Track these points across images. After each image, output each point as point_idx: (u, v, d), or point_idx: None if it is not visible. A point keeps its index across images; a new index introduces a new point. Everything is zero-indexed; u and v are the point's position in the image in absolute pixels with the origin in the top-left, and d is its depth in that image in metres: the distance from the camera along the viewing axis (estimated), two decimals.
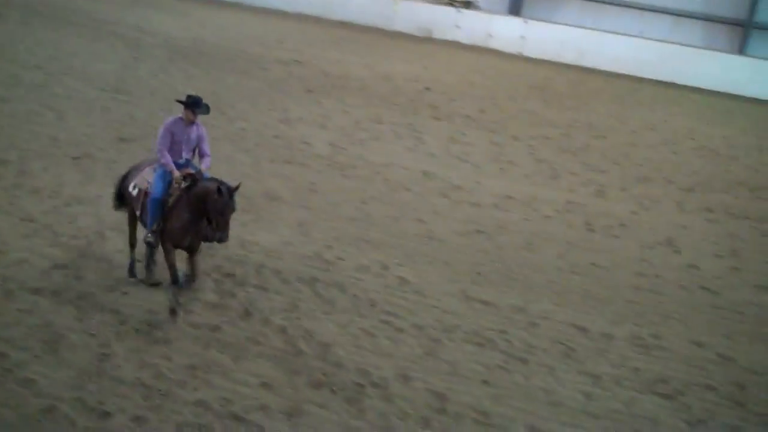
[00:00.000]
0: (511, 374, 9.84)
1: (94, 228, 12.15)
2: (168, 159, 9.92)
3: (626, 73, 28.68)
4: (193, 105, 10.01)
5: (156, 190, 9.88)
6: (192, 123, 10.10)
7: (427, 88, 23.38)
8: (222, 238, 9.37)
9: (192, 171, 9.90)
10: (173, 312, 9.78)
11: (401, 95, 22.35)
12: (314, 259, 12.13)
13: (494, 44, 30.66)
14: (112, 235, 11.91)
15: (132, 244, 10.77)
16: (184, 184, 9.76)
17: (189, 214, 9.64)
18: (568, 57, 29.60)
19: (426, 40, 30.87)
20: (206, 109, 10.16)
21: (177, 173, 9.84)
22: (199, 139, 10.21)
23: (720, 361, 10.76)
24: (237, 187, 9.41)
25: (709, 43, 29.69)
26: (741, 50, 29.30)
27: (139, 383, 8.65)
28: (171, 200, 9.82)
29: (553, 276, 12.66)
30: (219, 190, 9.23)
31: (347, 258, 12.30)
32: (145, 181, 10.15)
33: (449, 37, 31.17)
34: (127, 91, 19.41)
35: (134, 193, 10.27)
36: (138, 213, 10.27)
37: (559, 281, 12.51)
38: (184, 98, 10.14)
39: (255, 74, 22.60)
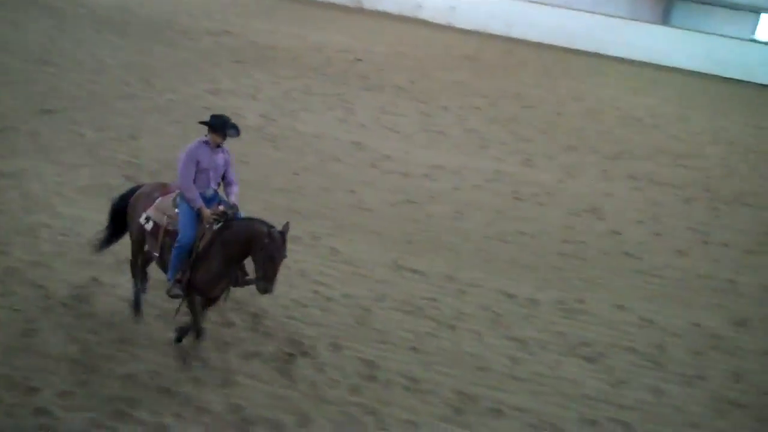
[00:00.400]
0: (439, 341, 10.03)
1: (19, 202, 11.92)
2: (195, 194, 8.41)
3: (553, 43, 29.09)
4: (222, 126, 8.53)
5: (185, 234, 8.38)
6: (218, 147, 8.64)
7: (358, 59, 23.36)
8: (268, 289, 8.10)
9: (224, 209, 8.51)
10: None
11: (332, 66, 22.30)
12: None
13: (424, 15, 30.74)
14: (37, 209, 11.71)
15: (135, 274, 9.37)
16: (216, 225, 8.42)
17: (223, 260, 8.32)
18: (497, 28, 29.87)
19: (356, 11, 30.76)
20: (236, 131, 8.66)
21: (207, 213, 8.39)
22: (226, 165, 8.76)
23: (641, 323, 11.14)
24: (287, 229, 8.26)
25: (634, 14, 30.23)
26: (664, 21, 29.91)
27: (66, 358, 8.57)
28: (200, 244, 8.41)
29: (482, 244, 12.89)
30: (270, 234, 8.02)
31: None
32: (163, 214, 8.64)
33: (380, 7, 31.13)
34: (51, 62, 18.94)
35: (148, 227, 8.74)
36: (156, 253, 8.77)
37: (488, 249, 12.74)
38: (207, 118, 8.66)
39: (183, 45, 22.27)
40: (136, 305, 9.35)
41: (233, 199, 8.65)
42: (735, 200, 16.42)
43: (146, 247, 8.91)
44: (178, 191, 8.64)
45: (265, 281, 8.04)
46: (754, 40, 29.46)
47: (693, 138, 20.42)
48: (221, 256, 8.28)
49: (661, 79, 26.49)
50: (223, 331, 9.49)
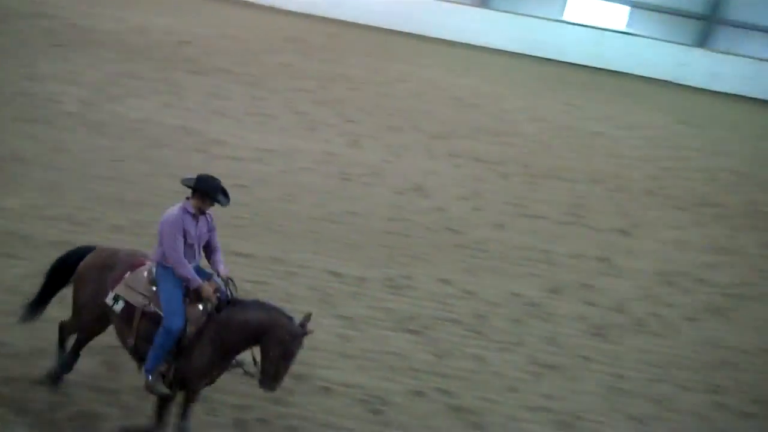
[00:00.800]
0: None
1: None
2: (191, 271, 7.22)
3: (378, 26, 29.63)
4: (213, 191, 7.29)
5: (174, 319, 7.14)
6: (202, 213, 7.46)
7: (185, 42, 22.93)
8: (275, 388, 7.20)
9: (216, 285, 7.40)
10: None
11: (157, 49, 21.79)
12: (66, 221, 11.76)
13: None
14: None
15: (62, 343, 8.10)
16: (210, 306, 7.30)
17: (221, 348, 7.20)
18: (322, 10, 30.06)
19: None
20: (227, 198, 7.45)
21: (210, 291, 7.24)
22: (210, 232, 7.55)
23: (463, 295, 11.69)
24: (308, 320, 7.30)
25: None
26: (482, 3, 31.03)
27: None
28: (191, 328, 7.24)
29: (311, 225, 13.09)
30: (293, 328, 7.08)
31: (102, 219, 12.03)
32: (138, 294, 7.35)
33: None
34: None
35: (117, 308, 7.40)
36: (130, 341, 7.43)
37: (317, 230, 12.96)
38: (191, 181, 7.36)
39: None
40: (55, 377, 8.09)
41: (222, 268, 7.51)
42: (549, 174, 17.45)
43: (117, 336, 7.66)
44: (152, 264, 7.45)
45: (274, 379, 7.09)
46: (564, 21, 31.09)
47: (510, 116, 21.48)
48: (219, 343, 7.15)
49: (481, 60, 27.59)
50: (42, 325, 9.17)
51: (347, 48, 25.98)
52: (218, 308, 7.26)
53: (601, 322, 11.67)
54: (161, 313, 7.21)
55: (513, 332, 10.96)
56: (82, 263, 7.73)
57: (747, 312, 12.84)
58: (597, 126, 22.30)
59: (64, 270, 7.91)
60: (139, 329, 7.30)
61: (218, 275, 7.47)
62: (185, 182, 7.38)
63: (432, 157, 17.23)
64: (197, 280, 7.21)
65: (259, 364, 7.16)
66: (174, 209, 7.32)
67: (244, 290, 10.59)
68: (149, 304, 7.28)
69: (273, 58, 23.08)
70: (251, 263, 11.49)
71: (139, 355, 7.43)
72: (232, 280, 7.45)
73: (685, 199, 17.62)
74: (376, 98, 20.90)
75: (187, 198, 7.38)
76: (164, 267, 7.28)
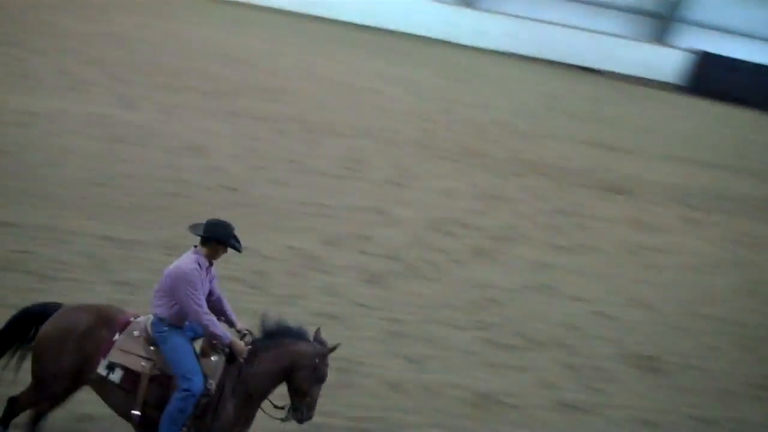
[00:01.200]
0: (44, 294, 9.65)
1: None
2: (220, 329, 6.65)
3: None
4: (227, 237, 6.75)
5: (193, 379, 6.46)
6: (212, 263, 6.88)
7: None
8: (310, 417, 6.80)
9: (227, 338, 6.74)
10: None
11: None
12: None
13: None
14: None
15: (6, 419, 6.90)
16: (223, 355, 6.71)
17: (245, 399, 6.66)
18: None
19: None
20: (239, 243, 6.90)
21: (241, 345, 6.68)
22: (212, 280, 6.99)
23: (234, 253, 11.69)
24: (319, 335, 6.95)
25: None
26: None
27: None
28: (210, 383, 6.60)
29: (82, 190, 12.63)
30: (320, 351, 6.67)
31: None
32: (138, 357, 6.58)
33: None
34: None
35: (114, 377, 6.58)
36: (136, 411, 6.57)
37: (88, 195, 12.53)
38: (201, 230, 6.73)
39: None
40: None
41: (236, 320, 7.03)
42: (325, 130, 17.84)
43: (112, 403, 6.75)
44: (144, 320, 6.77)
45: (310, 409, 6.73)
46: None
47: (285, 74, 21.68)
48: (242, 394, 6.63)
49: (254, 18, 27.52)
50: None
51: (114, 5, 25.05)
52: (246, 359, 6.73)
53: (377, 270, 12.14)
54: (170, 374, 6.60)
55: (292, 285, 11.17)
56: (46, 326, 6.73)
57: (510, 253, 13.82)
58: (370, 83, 22.95)
59: (19, 329, 6.94)
60: (147, 397, 6.58)
61: (231, 327, 6.99)
62: (195, 231, 6.77)
63: (207, 116, 17.08)
64: (228, 336, 6.68)
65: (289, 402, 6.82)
66: (188, 263, 6.68)
67: (8, 260, 10.20)
68: (155, 366, 6.61)
69: (33, 15, 21.83)
70: (16, 232, 10.93)
71: (146, 424, 6.65)
72: (250, 332, 6.89)
73: (453, 151, 18.61)
74: (147, 57, 20.36)
75: (195, 246, 6.81)
76: (167, 323, 6.67)
